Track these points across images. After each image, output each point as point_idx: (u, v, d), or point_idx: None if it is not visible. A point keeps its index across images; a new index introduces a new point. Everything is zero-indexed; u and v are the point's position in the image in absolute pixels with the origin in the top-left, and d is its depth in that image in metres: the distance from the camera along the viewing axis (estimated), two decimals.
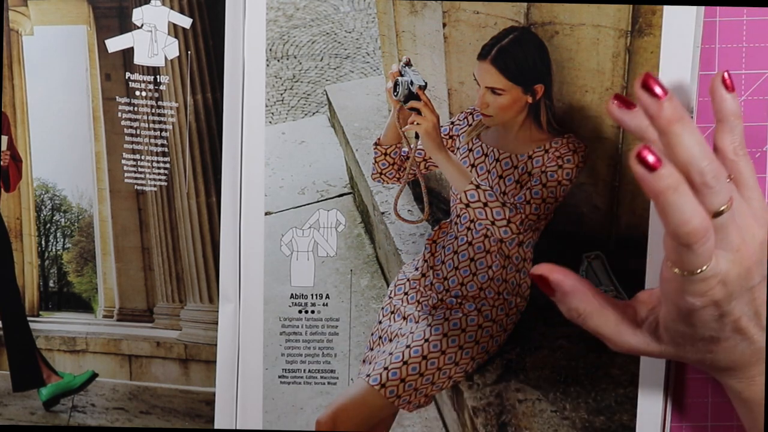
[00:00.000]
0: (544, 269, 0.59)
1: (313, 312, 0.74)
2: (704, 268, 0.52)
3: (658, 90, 0.53)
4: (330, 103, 0.75)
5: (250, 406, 0.73)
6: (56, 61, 0.74)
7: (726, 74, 0.59)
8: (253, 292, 0.73)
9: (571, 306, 0.59)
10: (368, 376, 0.72)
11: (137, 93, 0.73)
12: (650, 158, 0.51)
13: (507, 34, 0.70)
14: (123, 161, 0.74)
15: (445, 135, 0.74)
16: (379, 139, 0.74)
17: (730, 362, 0.58)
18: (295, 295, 0.73)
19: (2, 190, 0.75)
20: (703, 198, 0.52)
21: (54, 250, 0.76)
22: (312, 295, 0.74)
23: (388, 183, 0.76)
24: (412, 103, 0.71)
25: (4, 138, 0.74)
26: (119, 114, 0.74)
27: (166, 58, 0.73)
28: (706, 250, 0.52)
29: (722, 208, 0.52)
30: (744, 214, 0.55)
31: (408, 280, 0.75)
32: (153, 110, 0.73)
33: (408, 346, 0.73)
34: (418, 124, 0.71)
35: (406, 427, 0.74)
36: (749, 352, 0.57)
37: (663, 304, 0.57)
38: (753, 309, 0.55)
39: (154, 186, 0.74)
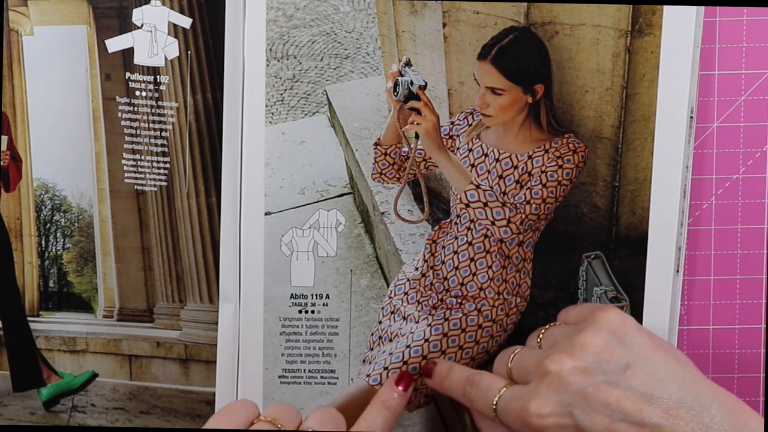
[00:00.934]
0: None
1: (313, 312, 0.74)
2: (494, 404, 0.57)
3: (425, 372, 0.66)
4: (330, 103, 0.75)
5: None
6: (56, 61, 0.74)
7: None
8: (253, 292, 0.73)
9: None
10: (368, 376, 0.72)
11: (137, 93, 0.73)
12: (425, 371, 0.66)
13: (507, 34, 0.70)
14: (123, 161, 0.74)
15: (445, 135, 0.74)
16: (379, 139, 0.74)
17: None
18: (295, 295, 0.73)
19: (2, 190, 0.75)
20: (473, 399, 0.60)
21: (54, 250, 0.77)
22: (312, 295, 0.74)
23: (388, 183, 0.76)
24: (412, 103, 0.71)
25: (4, 138, 0.74)
26: (119, 114, 0.74)
27: (166, 58, 0.73)
28: (480, 391, 0.58)
29: (510, 363, 0.58)
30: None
31: (408, 280, 0.75)
32: (153, 110, 0.73)
33: (408, 346, 0.72)
34: (418, 124, 0.71)
35: (406, 427, 0.74)
36: None
37: None
38: (620, 409, 0.52)
39: (154, 186, 0.74)
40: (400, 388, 0.64)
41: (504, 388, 0.57)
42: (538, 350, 0.57)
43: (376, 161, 0.75)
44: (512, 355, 0.59)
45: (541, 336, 0.59)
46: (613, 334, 0.54)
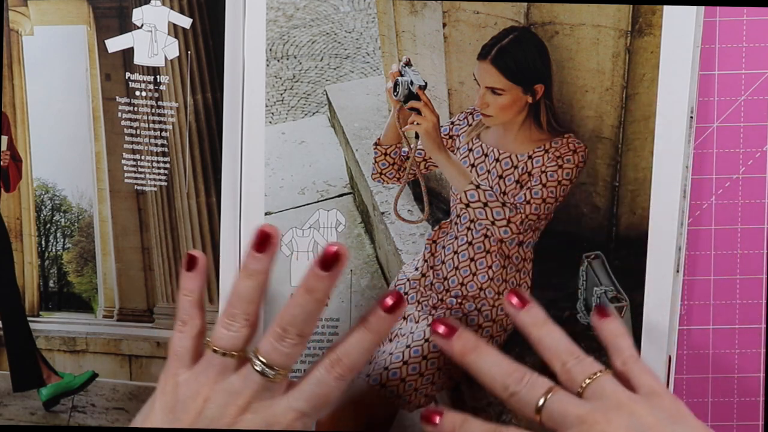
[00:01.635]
0: None
1: None
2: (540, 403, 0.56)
3: (441, 330, 0.61)
4: (330, 103, 0.75)
5: None
6: (56, 61, 0.74)
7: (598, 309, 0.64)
8: None
9: None
10: (368, 376, 0.72)
11: (137, 93, 0.73)
12: (441, 329, 0.60)
13: (507, 34, 0.70)
14: (123, 161, 0.74)
15: (445, 135, 0.74)
16: (379, 139, 0.74)
17: None
18: None
19: (2, 190, 0.75)
20: (518, 400, 0.57)
21: (54, 250, 0.76)
22: None
23: (388, 183, 0.76)
24: (412, 103, 0.71)
25: (4, 138, 0.74)
26: (119, 114, 0.74)
27: (166, 58, 0.73)
28: (526, 394, 0.57)
29: (540, 402, 0.56)
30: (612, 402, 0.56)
31: (408, 280, 0.75)
32: (153, 110, 0.73)
33: (408, 346, 0.72)
34: (418, 124, 0.71)
35: (406, 427, 0.74)
36: None
37: None
38: None
39: (154, 186, 0.74)
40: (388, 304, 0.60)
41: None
42: (578, 400, 0.57)
43: (376, 161, 0.75)
44: (538, 401, 0.57)
45: (584, 385, 0.58)
46: (670, 417, 0.56)
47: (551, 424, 0.56)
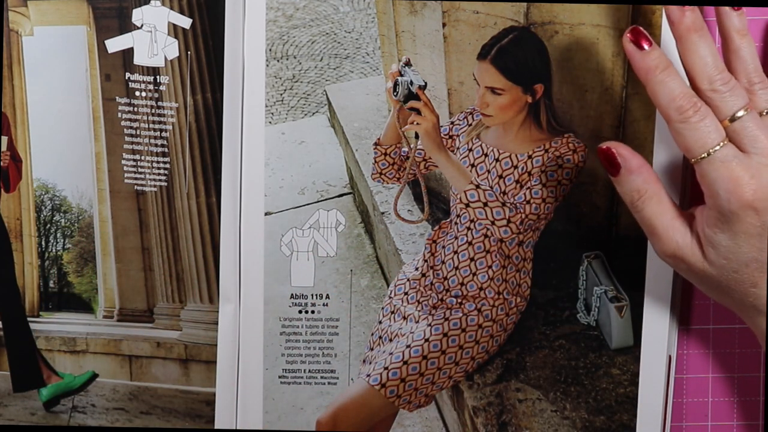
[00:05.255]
0: (612, 144, 0.58)
1: (313, 312, 0.74)
2: (711, 150, 0.54)
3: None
4: (330, 103, 0.76)
5: (251, 406, 0.73)
6: (56, 61, 0.74)
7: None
8: (253, 292, 0.73)
9: (634, 186, 0.58)
10: (368, 376, 0.72)
11: (137, 93, 0.73)
12: (641, 38, 0.57)
13: (507, 34, 0.70)
14: (123, 161, 0.74)
15: (444, 135, 0.74)
16: (379, 139, 0.74)
17: None
18: (295, 295, 0.73)
19: (2, 190, 0.75)
20: (716, 104, 0.55)
21: (54, 250, 0.77)
22: (312, 295, 0.74)
23: (388, 183, 0.76)
24: (412, 103, 0.71)
25: (4, 138, 0.74)
26: (119, 114, 0.74)
27: (166, 59, 0.73)
28: (705, 126, 0.54)
29: (739, 114, 0.55)
30: None
31: (408, 280, 0.75)
32: (153, 110, 0.73)
33: (408, 346, 0.73)
34: (417, 124, 0.71)
35: (407, 427, 0.74)
36: None
37: (705, 210, 0.56)
38: None
39: (154, 186, 0.74)
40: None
41: (723, 144, 0.54)
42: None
43: (376, 161, 0.75)
44: (736, 113, 0.55)
45: None
46: None
47: (737, 140, 0.55)
